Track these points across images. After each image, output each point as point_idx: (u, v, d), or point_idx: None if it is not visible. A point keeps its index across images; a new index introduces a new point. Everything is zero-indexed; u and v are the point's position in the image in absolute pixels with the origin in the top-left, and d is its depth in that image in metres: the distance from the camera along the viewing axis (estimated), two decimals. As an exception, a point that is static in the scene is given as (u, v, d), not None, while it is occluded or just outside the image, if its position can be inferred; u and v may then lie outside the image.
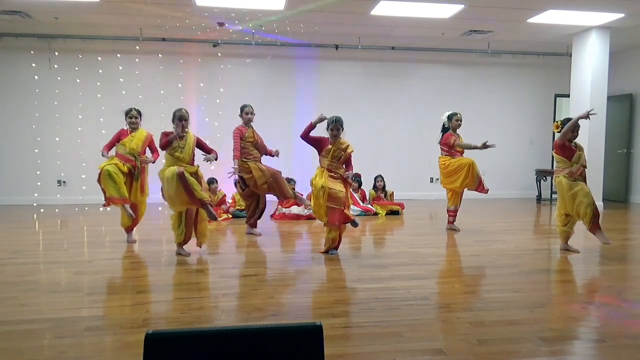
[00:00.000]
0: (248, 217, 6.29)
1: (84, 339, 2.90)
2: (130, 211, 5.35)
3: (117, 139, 5.49)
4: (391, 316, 3.29)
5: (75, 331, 3.00)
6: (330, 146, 4.92)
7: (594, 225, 5.02)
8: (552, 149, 5.32)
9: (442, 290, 4.02)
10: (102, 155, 5.42)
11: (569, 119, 5.12)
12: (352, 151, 4.97)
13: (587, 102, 8.52)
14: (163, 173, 4.72)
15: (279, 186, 5.94)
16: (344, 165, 4.99)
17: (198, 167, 4.88)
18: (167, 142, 4.69)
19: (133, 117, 5.48)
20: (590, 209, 4.94)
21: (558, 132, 5.14)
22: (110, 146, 5.51)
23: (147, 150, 5.61)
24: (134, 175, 5.42)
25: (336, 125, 4.89)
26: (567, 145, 5.09)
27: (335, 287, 4.02)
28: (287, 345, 1.32)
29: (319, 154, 5.03)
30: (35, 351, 2.73)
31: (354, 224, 4.99)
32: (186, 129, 4.79)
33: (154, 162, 5.57)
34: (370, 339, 2.92)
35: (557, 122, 5.26)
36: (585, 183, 5.15)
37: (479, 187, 6.25)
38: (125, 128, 5.53)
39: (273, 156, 6.10)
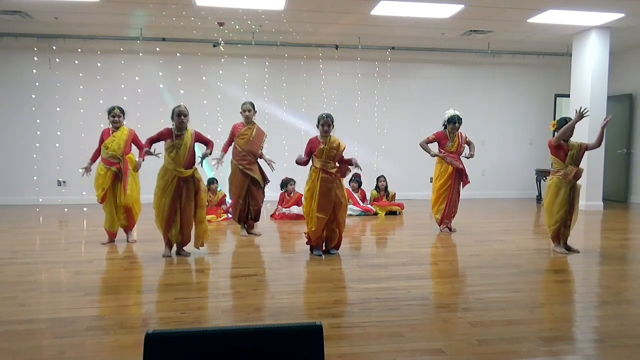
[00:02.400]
0: (239, 216, 6.18)
1: (84, 339, 2.90)
2: (107, 241, 5.57)
3: (101, 141, 5.45)
4: (391, 316, 3.29)
5: (75, 331, 3.00)
6: (322, 146, 4.91)
7: (554, 237, 5.24)
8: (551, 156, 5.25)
9: (442, 290, 4.01)
10: (86, 168, 5.48)
11: (565, 119, 5.10)
12: (344, 148, 4.98)
13: (587, 102, 8.51)
14: (161, 175, 4.79)
15: (252, 203, 6.07)
16: (336, 164, 4.99)
17: (196, 169, 4.86)
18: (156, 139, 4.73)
19: (116, 115, 5.41)
20: (558, 225, 5.14)
21: (554, 131, 5.17)
22: (97, 155, 5.49)
23: (133, 147, 5.55)
24: (120, 177, 5.39)
25: (327, 120, 4.90)
26: (560, 145, 5.08)
27: (335, 287, 4.02)
28: (287, 345, 1.32)
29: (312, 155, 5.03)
30: (35, 351, 2.73)
31: None
32: (185, 125, 4.76)
33: (143, 160, 5.22)
34: (370, 339, 2.92)
35: (553, 122, 5.26)
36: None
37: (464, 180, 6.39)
38: (108, 127, 5.49)
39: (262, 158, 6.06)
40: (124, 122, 5.53)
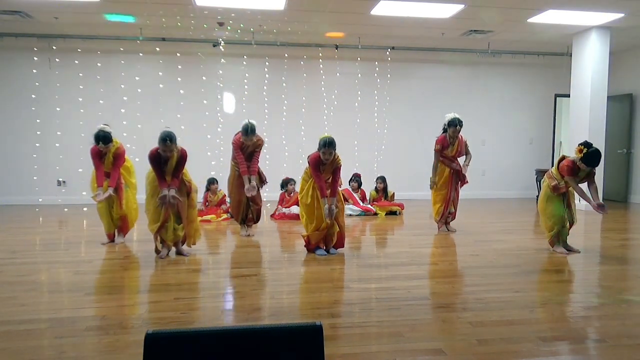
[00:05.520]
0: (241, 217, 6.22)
1: (84, 339, 2.90)
2: (107, 241, 5.57)
3: (98, 160, 5.29)
4: (391, 316, 3.29)
5: (75, 331, 3.00)
6: (324, 164, 4.95)
7: (554, 240, 5.21)
8: (556, 166, 5.11)
9: (442, 290, 4.01)
10: (97, 195, 5.28)
11: (590, 147, 4.79)
12: (341, 164, 5.00)
13: (587, 102, 8.53)
14: (150, 181, 4.83)
15: (252, 203, 6.07)
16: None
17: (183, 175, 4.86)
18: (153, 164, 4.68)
19: (102, 146, 5.21)
20: (556, 228, 5.12)
21: (581, 156, 4.80)
22: (100, 175, 5.28)
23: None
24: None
25: (329, 149, 4.84)
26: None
27: (335, 287, 4.02)
28: (287, 345, 1.32)
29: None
30: (35, 351, 2.73)
31: None
32: (173, 151, 4.68)
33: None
34: (370, 339, 2.92)
35: (580, 146, 4.84)
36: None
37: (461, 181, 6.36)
38: (95, 145, 5.24)
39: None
40: (111, 144, 5.30)
